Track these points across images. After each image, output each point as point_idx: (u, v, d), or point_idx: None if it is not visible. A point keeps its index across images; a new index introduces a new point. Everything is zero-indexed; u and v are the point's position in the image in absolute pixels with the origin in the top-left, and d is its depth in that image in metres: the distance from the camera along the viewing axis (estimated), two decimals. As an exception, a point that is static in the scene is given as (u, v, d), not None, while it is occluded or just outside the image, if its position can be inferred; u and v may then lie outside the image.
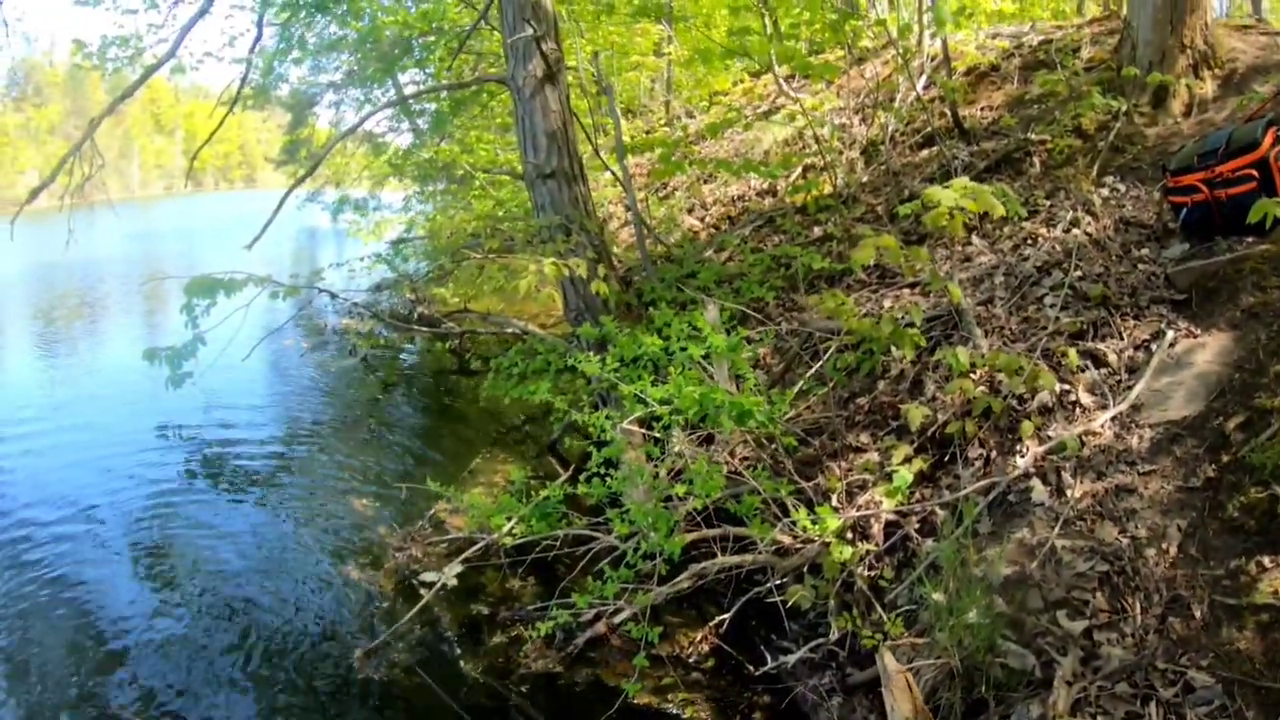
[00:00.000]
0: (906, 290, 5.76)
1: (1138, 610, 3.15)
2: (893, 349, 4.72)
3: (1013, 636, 3.20)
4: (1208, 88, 6.46)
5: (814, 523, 3.72)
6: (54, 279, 17.84)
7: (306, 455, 7.09)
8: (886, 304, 5.68)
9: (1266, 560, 3.08)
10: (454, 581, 4.69)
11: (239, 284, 6.15)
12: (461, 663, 4.36)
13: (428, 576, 4.77)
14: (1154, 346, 4.26)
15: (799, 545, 3.87)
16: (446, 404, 8.52)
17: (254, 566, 5.30)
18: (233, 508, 6.12)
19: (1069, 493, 3.68)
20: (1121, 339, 4.41)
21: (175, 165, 73.63)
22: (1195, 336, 4.24)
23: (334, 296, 8.81)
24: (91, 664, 4.28)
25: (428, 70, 13.85)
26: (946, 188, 4.77)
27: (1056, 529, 3.52)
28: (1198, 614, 3.07)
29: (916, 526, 3.97)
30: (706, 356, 4.58)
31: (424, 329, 9.46)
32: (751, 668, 4.14)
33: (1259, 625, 2.94)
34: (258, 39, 11.48)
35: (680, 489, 4.03)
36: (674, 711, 4.11)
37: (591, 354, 4.86)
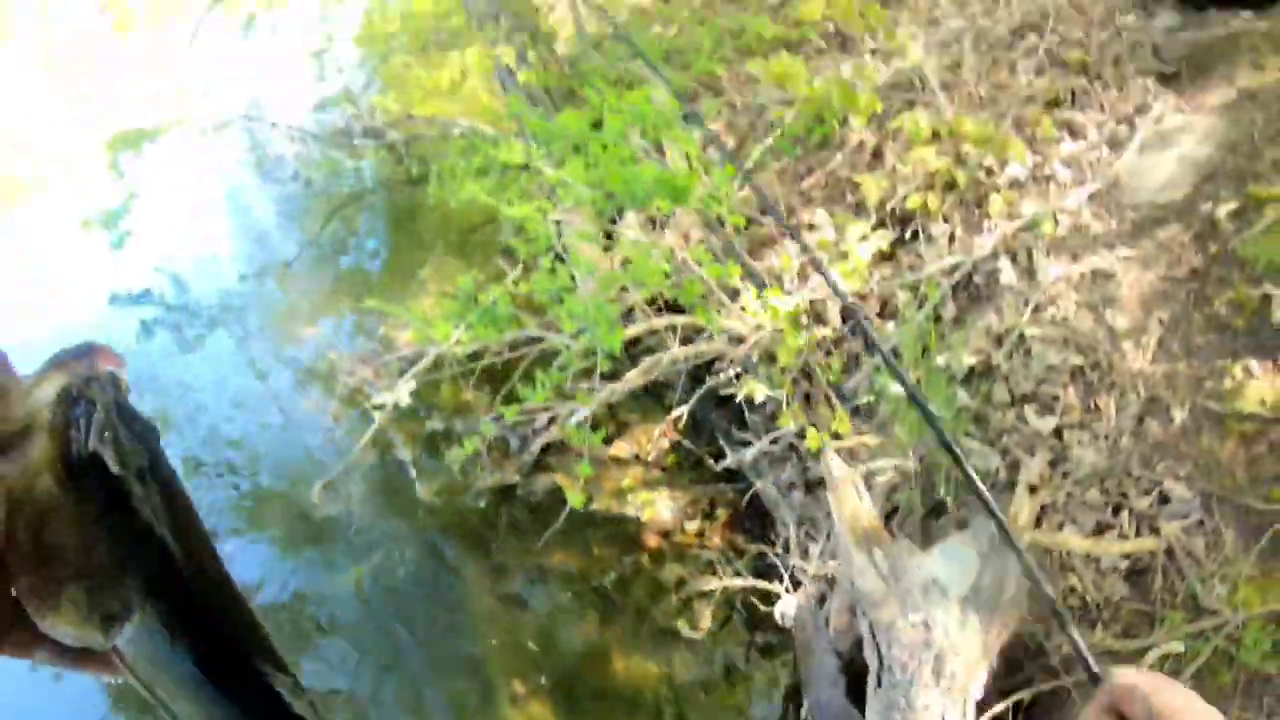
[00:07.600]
0: (868, 57, 5.30)
1: (1112, 410, 2.97)
2: (850, 119, 4.35)
3: (976, 433, 3.03)
4: None
5: (762, 305, 3.47)
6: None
7: (260, 289, 6.77)
8: (845, 70, 5.23)
9: (1254, 364, 2.87)
10: (407, 400, 4.48)
11: (162, 130, 5.73)
12: (417, 484, 4.26)
13: (380, 398, 4.57)
14: (1138, 121, 3.86)
15: (752, 332, 3.64)
16: (397, 218, 8.12)
17: (213, 405, 5.17)
18: (190, 348, 5.91)
19: (1040, 275, 3.43)
20: (1102, 111, 4.00)
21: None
22: (1183, 113, 3.86)
23: (273, 125, 8.18)
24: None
25: None
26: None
27: (1026, 315, 3.29)
28: (1177, 418, 2.89)
29: (876, 309, 3.75)
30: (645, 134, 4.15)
31: (368, 140, 8.87)
32: (713, 462, 4.02)
33: (1243, 436, 2.77)
34: None
35: (623, 277, 3.74)
36: (633, 514, 4.04)
37: (518, 141, 4.48)
